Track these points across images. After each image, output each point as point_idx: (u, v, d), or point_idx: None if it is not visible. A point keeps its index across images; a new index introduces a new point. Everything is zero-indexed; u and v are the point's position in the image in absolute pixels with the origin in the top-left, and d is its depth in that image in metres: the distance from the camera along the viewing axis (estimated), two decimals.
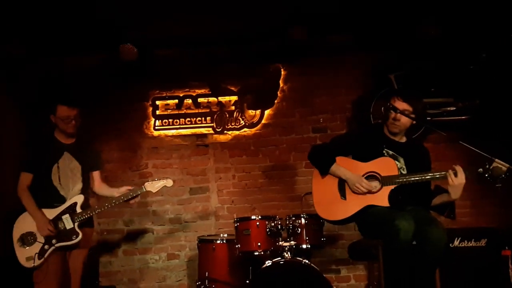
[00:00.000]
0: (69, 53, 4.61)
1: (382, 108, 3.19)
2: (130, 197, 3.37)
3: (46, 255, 3.18)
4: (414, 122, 3.13)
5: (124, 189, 3.43)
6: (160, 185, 3.44)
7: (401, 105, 3.08)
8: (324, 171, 3.23)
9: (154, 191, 3.44)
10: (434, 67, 4.45)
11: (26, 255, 3.19)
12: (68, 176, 3.33)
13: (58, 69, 4.66)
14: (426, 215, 3.05)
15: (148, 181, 3.44)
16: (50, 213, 3.27)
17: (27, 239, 3.21)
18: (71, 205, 3.29)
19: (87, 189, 3.45)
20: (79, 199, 3.32)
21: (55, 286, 3.18)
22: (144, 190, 3.40)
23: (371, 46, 4.59)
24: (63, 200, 3.30)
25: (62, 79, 4.25)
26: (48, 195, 3.29)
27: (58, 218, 3.27)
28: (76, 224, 3.26)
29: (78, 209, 3.29)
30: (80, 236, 3.25)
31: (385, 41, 4.52)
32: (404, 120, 3.10)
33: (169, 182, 3.47)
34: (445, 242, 2.84)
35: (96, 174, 3.55)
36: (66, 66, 4.69)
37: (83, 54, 4.67)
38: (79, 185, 3.38)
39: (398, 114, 3.07)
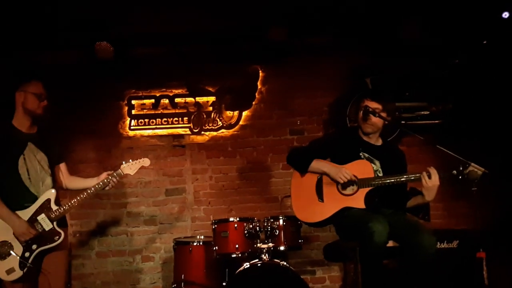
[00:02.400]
0: (43, 49, 4.47)
1: (361, 112, 3.22)
2: (108, 183, 3.09)
3: (29, 263, 2.86)
4: (386, 122, 3.18)
5: (104, 175, 3.12)
6: (137, 166, 3.19)
7: (372, 104, 3.16)
8: (304, 169, 3.24)
9: (132, 173, 3.18)
10: (410, 72, 4.55)
11: (5, 268, 2.83)
12: (36, 170, 2.99)
13: (31, 66, 4.52)
14: (414, 221, 3.11)
15: (123, 164, 3.16)
16: (22, 216, 2.91)
17: (1, 250, 2.84)
18: (44, 202, 2.96)
19: (56, 183, 3.11)
20: (51, 195, 2.99)
21: None
22: (122, 173, 3.14)
23: (349, 48, 4.66)
24: (34, 198, 2.95)
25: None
26: (17, 195, 2.91)
27: (33, 220, 2.92)
28: (55, 223, 2.95)
29: (53, 206, 2.96)
30: (63, 235, 2.94)
31: (363, 44, 4.59)
32: (376, 120, 3.16)
33: (146, 162, 3.23)
34: (435, 248, 2.90)
35: (63, 167, 3.22)
36: (40, 63, 4.55)
37: (58, 51, 4.54)
38: (49, 180, 3.04)
39: (370, 114, 3.13)
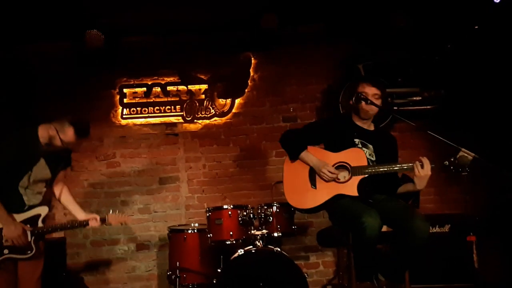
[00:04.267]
0: (33, 39, 4.42)
1: (353, 98, 3.22)
2: (92, 225, 3.29)
3: None
4: (381, 107, 3.20)
5: (91, 216, 3.28)
6: (121, 220, 3.39)
7: (371, 90, 3.16)
8: (294, 156, 3.25)
9: (113, 223, 3.38)
10: (402, 58, 4.55)
11: None
12: (37, 185, 3.08)
13: (21, 56, 4.48)
14: (406, 206, 3.14)
15: (110, 212, 3.37)
16: None
17: None
18: (33, 216, 3.04)
19: (46, 198, 3.17)
20: (43, 211, 3.08)
21: None
22: (107, 221, 3.32)
23: (341, 36, 4.65)
24: (23, 206, 3.02)
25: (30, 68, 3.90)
26: (8, 199, 2.98)
27: None
28: (33, 238, 3.01)
29: (40, 223, 3.04)
30: (34, 251, 3.01)
31: (355, 31, 4.58)
32: (369, 107, 3.17)
33: (129, 219, 3.46)
34: (428, 232, 2.92)
35: (61, 174, 3.31)
36: (30, 53, 4.51)
37: (47, 41, 4.50)
38: (41, 194, 3.12)
39: (369, 100, 3.13)
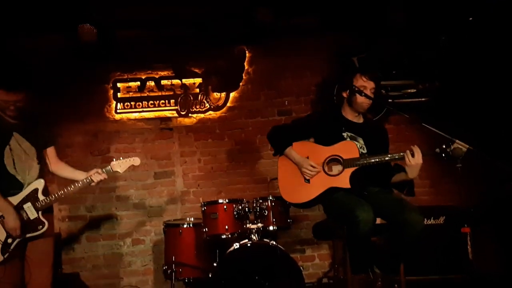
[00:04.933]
0: (25, 33, 4.37)
1: (348, 90, 3.22)
2: (98, 180, 3.10)
3: (10, 249, 2.88)
4: (376, 100, 3.19)
5: (93, 171, 3.11)
6: (127, 164, 3.18)
7: (369, 84, 3.14)
8: (278, 152, 3.29)
9: (121, 171, 3.18)
10: (396, 50, 4.54)
11: None
12: (22, 160, 2.99)
13: (13, 50, 4.43)
14: (400, 199, 3.14)
15: (114, 161, 3.17)
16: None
17: None
18: (31, 192, 2.98)
19: (43, 172, 3.10)
20: (40, 184, 3.01)
21: (18, 281, 2.94)
22: (111, 170, 3.14)
23: (336, 29, 4.62)
24: (20, 186, 2.97)
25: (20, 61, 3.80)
26: (3, 182, 2.94)
27: (19, 207, 2.94)
28: (40, 212, 2.97)
29: (40, 196, 2.98)
30: (46, 225, 2.97)
31: (350, 24, 4.55)
32: (364, 99, 3.15)
33: (136, 161, 3.20)
34: (422, 225, 2.93)
35: (50, 151, 3.18)
36: (22, 47, 4.46)
37: (40, 35, 4.45)
38: (36, 168, 3.05)
39: (365, 93, 3.10)
